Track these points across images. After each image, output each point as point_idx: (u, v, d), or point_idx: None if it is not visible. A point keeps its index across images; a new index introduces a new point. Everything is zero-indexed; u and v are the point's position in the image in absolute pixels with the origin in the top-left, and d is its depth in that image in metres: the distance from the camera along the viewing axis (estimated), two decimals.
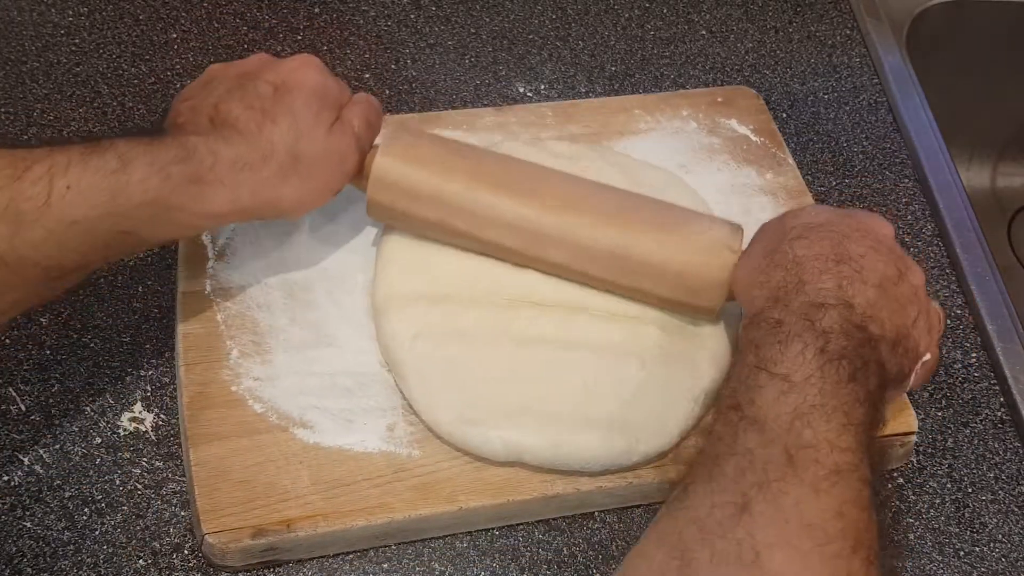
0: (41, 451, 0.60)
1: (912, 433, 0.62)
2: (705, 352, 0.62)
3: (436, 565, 0.58)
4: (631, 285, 0.62)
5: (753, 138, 0.79)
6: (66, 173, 0.49)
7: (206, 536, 0.55)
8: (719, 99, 0.82)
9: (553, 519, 0.60)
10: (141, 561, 0.57)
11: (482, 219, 0.62)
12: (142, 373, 0.64)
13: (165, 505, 0.59)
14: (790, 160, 0.77)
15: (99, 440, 0.61)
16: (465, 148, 0.66)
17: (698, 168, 0.76)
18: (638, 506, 0.61)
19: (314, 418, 0.60)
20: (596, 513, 0.61)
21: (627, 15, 0.94)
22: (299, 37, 0.88)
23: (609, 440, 0.58)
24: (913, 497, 0.63)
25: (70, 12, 0.87)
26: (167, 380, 0.64)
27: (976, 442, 0.66)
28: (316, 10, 0.90)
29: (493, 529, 0.59)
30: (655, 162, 0.74)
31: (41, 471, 0.60)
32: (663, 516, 0.45)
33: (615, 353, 0.61)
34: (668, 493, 0.58)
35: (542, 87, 0.86)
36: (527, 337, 0.61)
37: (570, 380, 0.60)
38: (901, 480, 0.64)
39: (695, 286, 0.60)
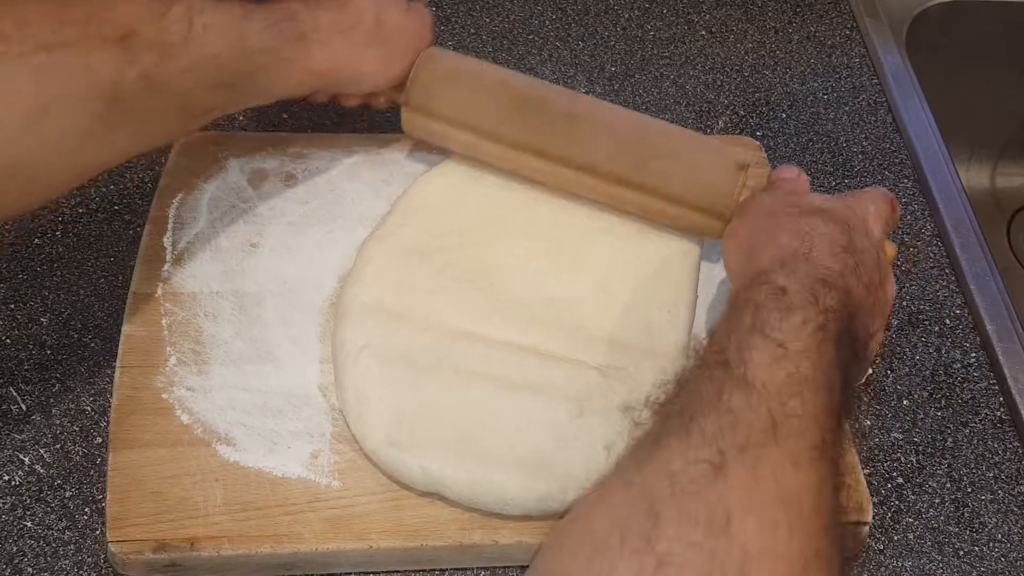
0: (42, 451, 0.60)
1: (864, 523, 0.59)
2: (642, 396, 0.59)
3: None
4: (655, 169, 0.66)
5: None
6: (202, 14, 0.56)
7: (109, 544, 0.55)
8: None
9: (472, 568, 0.58)
10: None
11: (532, 80, 0.70)
12: None
13: None
14: None
15: (99, 440, 0.61)
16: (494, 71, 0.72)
17: None
18: None
19: (239, 435, 0.59)
20: (514, 570, 0.58)
21: (627, 15, 0.94)
22: None
23: (530, 483, 0.56)
24: (913, 497, 0.63)
25: None
26: None
27: (976, 442, 0.66)
28: None
29: (412, 573, 0.58)
30: None
31: (42, 471, 0.60)
32: (627, 466, 0.43)
33: (554, 398, 0.59)
34: None
35: None
36: (471, 371, 0.60)
37: (503, 419, 0.58)
38: (901, 480, 0.64)
39: (714, 192, 0.65)
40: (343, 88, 0.68)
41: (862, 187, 0.81)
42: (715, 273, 0.70)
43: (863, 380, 0.66)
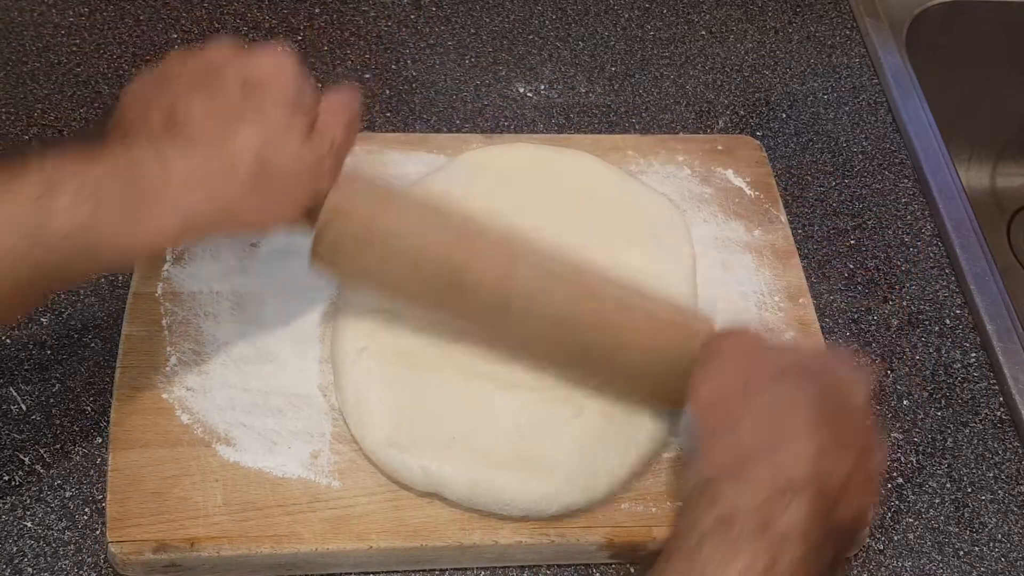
0: (42, 451, 0.60)
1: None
2: (645, 409, 0.60)
3: None
4: (599, 354, 0.57)
5: (747, 191, 0.76)
6: None
7: (109, 544, 0.55)
8: (719, 147, 0.78)
9: (472, 568, 0.58)
10: None
11: (459, 236, 0.56)
12: None
13: None
14: (783, 218, 0.74)
15: (99, 440, 0.61)
16: (431, 202, 0.59)
17: (684, 217, 0.73)
18: (565, 565, 0.58)
19: (239, 435, 0.59)
20: (514, 570, 0.58)
21: (627, 15, 0.94)
22: (299, 37, 0.88)
23: (530, 484, 0.56)
24: (913, 497, 0.63)
25: (71, 13, 0.87)
26: None
27: (976, 442, 0.66)
28: (316, 10, 0.90)
29: (412, 573, 0.58)
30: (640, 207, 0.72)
31: (42, 471, 0.60)
32: None
33: (555, 398, 0.59)
34: (594, 555, 0.57)
35: (542, 87, 0.86)
36: (471, 370, 0.60)
37: (504, 419, 0.58)
38: (901, 480, 0.64)
39: (672, 359, 0.55)
40: (224, 235, 0.57)
41: (862, 187, 0.81)
42: (715, 273, 0.70)
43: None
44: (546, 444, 0.58)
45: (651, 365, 0.56)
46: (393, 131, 0.80)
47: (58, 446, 0.61)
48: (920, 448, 0.65)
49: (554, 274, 0.56)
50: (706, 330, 0.56)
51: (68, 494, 0.59)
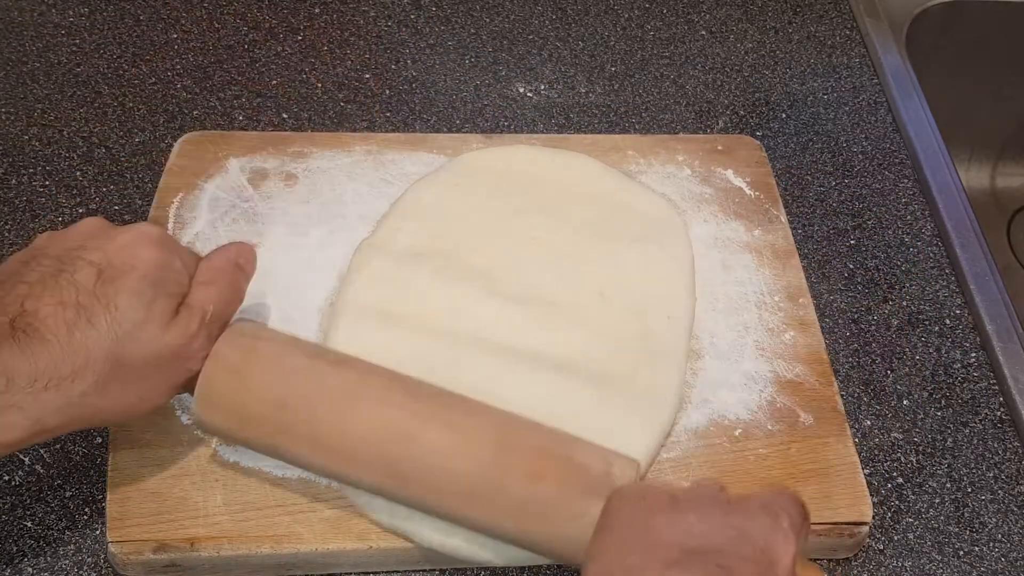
0: (42, 451, 0.60)
1: (864, 523, 0.58)
2: (636, 417, 0.59)
3: None
4: (500, 530, 0.51)
5: (748, 191, 0.75)
6: None
7: (109, 544, 0.55)
8: (719, 147, 0.78)
9: (472, 568, 0.58)
10: None
11: (325, 449, 0.52)
12: None
13: None
14: (783, 218, 0.74)
15: (99, 440, 0.61)
16: (311, 354, 0.54)
17: (683, 218, 0.73)
18: (566, 565, 0.57)
19: None
20: (514, 570, 0.58)
21: (627, 15, 0.94)
22: (299, 37, 0.88)
23: (506, 547, 0.53)
24: (913, 497, 0.63)
25: (70, 12, 0.87)
26: None
27: (975, 442, 0.66)
28: (316, 10, 0.90)
29: (412, 573, 0.57)
30: (638, 208, 0.71)
31: (42, 471, 0.60)
32: None
33: (541, 421, 0.54)
34: None
35: (542, 87, 0.86)
36: (458, 386, 0.55)
37: None
38: (901, 480, 0.64)
39: (563, 536, 0.49)
40: (89, 428, 0.53)
41: (862, 187, 0.81)
42: (715, 273, 0.70)
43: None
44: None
45: (545, 538, 0.50)
46: (393, 131, 0.80)
47: (58, 446, 0.61)
48: (920, 448, 0.65)
49: (449, 437, 0.51)
50: (612, 490, 0.49)
51: (68, 494, 0.59)
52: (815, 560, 0.59)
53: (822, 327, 0.68)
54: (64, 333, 0.46)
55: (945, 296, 0.74)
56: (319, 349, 0.56)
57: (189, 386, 0.52)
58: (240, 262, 0.54)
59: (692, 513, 0.45)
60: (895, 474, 0.64)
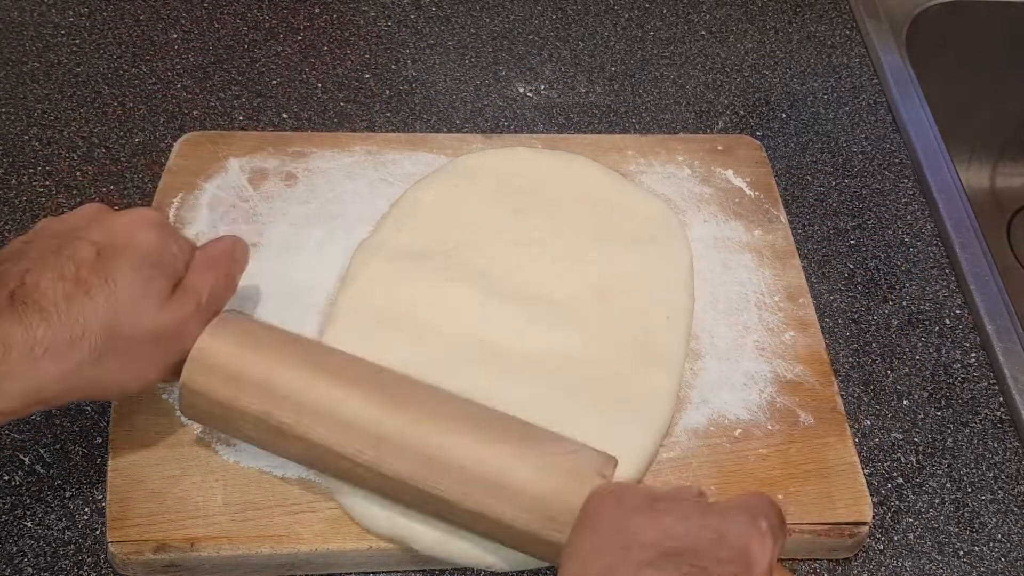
0: (42, 451, 0.60)
1: (864, 523, 0.58)
2: (634, 418, 0.58)
3: None
4: (478, 507, 0.50)
5: (748, 191, 0.75)
6: None
7: (109, 544, 0.55)
8: (719, 147, 0.78)
9: (472, 568, 0.57)
10: None
11: (312, 414, 0.52)
12: None
13: None
14: (783, 218, 0.74)
15: (99, 440, 0.61)
16: (303, 340, 0.56)
17: (683, 218, 0.73)
18: None
19: None
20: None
21: (627, 15, 0.94)
22: (299, 37, 0.88)
23: (510, 553, 0.53)
24: (913, 497, 0.63)
25: (70, 12, 0.87)
26: None
27: (975, 442, 0.66)
28: (316, 10, 0.90)
29: (412, 573, 0.57)
30: (637, 209, 0.71)
31: (42, 471, 0.60)
32: None
33: (538, 424, 0.54)
34: None
35: (542, 87, 0.86)
36: (456, 391, 0.56)
37: None
38: (901, 480, 0.64)
39: (554, 511, 0.49)
40: (83, 400, 0.55)
41: (862, 187, 0.81)
42: (715, 273, 0.70)
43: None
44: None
45: (533, 527, 0.49)
46: (393, 131, 0.80)
47: (58, 446, 0.61)
48: (920, 448, 0.65)
49: (431, 420, 0.52)
50: (592, 486, 0.49)
51: (68, 494, 0.59)
52: (814, 560, 0.59)
53: (822, 327, 0.68)
54: (62, 305, 0.48)
55: (945, 296, 0.74)
56: (306, 338, 0.57)
57: (179, 369, 0.53)
58: (235, 253, 0.56)
59: (669, 515, 0.45)
60: (895, 474, 0.64)
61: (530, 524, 0.49)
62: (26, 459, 0.60)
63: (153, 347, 0.51)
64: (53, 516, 0.58)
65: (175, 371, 0.53)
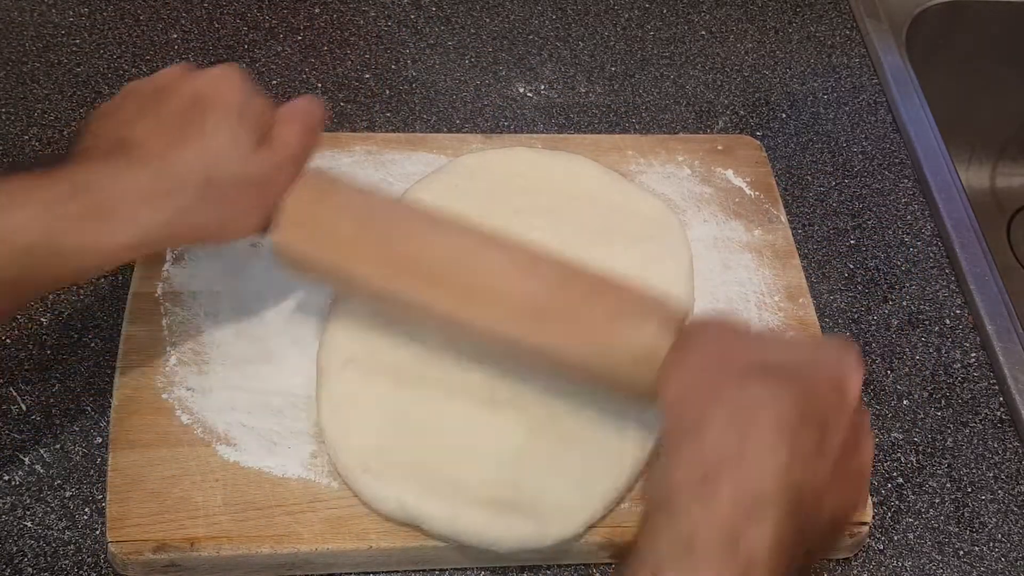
0: (42, 451, 0.60)
1: (864, 523, 0.58)
2: (632, 416, 0.59)
3: None
4: (562, 345, 0.53)
5: (748, 191, 0.75)
6: None
7: (109, 544, 0.55)
8: (719, 147, 0.78)
9: (472, 568, 0.58)
10: None
11: (402, 265, 0.55)
12: None
13: None
14: (783, 218, 0.74)
15: (99, 440, 0.61)
16: (390, 200, 0.60)
17: (683, 217, 0.73)
18: (565, 565, 0.58)
19: (239, 435, 0.59)
20: (514, 570, 0.58)
21: (627, 15, 0.94)
22: (299, 37, 0.88)
23: (516, 522, 0.54)
24: (913, 497, 0.63)
25: (70, 12, 0.87)
26: None
27: (975, 442, 0.66)
28: (316, 10, 0.90)
29: (412, 573, 0.58)
30: (636, 209, 0.71)
31: (42, 471, 0.60)
32: None
33: (538, 421, 0.58)
34: (594, 555, 0.56)
35: (542, 87, 0.86)
36: (456, 387, 0.58)
37: (485, 448, 0.57)
38: (901, 480, 0.64)
39: (638, 354, 0.51)
40: (188, 244, 0.57)
41: (862, 187, 0.81)
42: (715, 273, 0.70)
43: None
44: (532, 477, 0.56)
45: (620, 357, 0.52)
46: (393, 131, 0.80)
47: (58, 446, 0.61)
48: (920, 448, 0.65)
49: (516, 263, 0.55)
50: (680, 319, 0.52)
51: (68, 494, 0.59)
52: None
53: (822, 327, 0.68)
54: (161, 154, 0.51)
55: (945, 296, 0.74)
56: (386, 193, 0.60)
57: (273, 220, 0.55)
58: (314, 109, 0.57)
59: (767, 339, 0.50)
60: (895, 474, 0.64)
61: (622, 369, 0.52)
62: (26, 459, 0.60)
63: (246, 195, 0.53)
64: (53, 516, 0.58)
65: (265, 227, 0.56)
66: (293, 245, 0.56)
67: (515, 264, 0.55)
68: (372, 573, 0.57)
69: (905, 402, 0.68)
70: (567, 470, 0.57)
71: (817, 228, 0.77)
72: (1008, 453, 0.66)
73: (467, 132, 0.80)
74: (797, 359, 0.47)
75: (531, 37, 0.91)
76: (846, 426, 0.45)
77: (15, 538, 0.57)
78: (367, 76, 0.85)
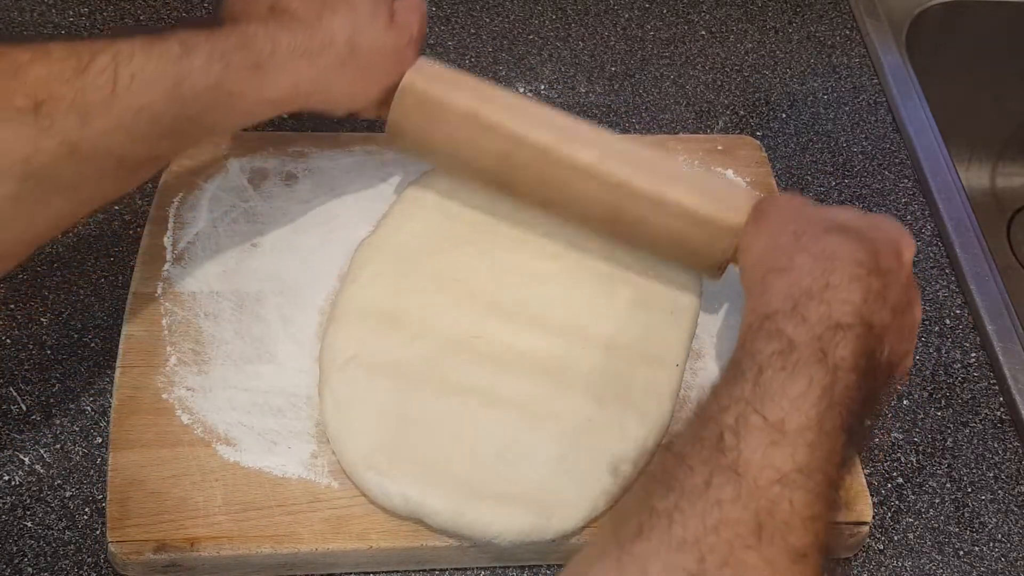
0: (42, 451, 0.60)
1: (864, 523, 0.59)
2: (634, 413, 0.60)
3: None
4: (661, 194, 0.61)
5: None
6: (130, 62, 0.49)
7: (109, 544, 0.55)
8: (719, 147, 0.78)
9: (472, 568, 0.58)
10: None
11: (516, 112, 0.63)
12: None
13: None
14: None
15: (99, 440, 0.61)
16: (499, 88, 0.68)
17: None
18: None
19: (239, 435, 0.59)
20: (513, 570, 0.58)
21: (627, 15, 0.94)
22: None
23: (518, 515, 0.55)
24: (913, 497, 0.63)
25: (70, 12, 0.87)
26: None
27: (976, 442, 0.66)
28: None
29: (412, 573, 0.58)
30: None
31: (42, 471, 0.60)
32: (608, 544, 0.42)
33: (539, 417, 0.58)
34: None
35: (542, 87, 0.86)
36: (458, 384, 0.59)
37: (487, 442, 0.57)
38: (901, 480, 0.64)
39: (725, 201, 0.61)
40: (314, 109, 0.62)
41: (862, 187, 0.81)
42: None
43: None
44: (533, 471, 0.57)
45: (697, 228, 0.61)
46: None
47: (58, 446, 0.61)
48: (920, 448, 0.65)
49: (610, 146, 0.63)
50: (753, 196, 0.61)
51: (68, 494, 0.59)
52: None
53: None
54: (313, 17, 0.58)
55: (945, 296, 0.74)
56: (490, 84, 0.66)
57: (390, 98, 0.63)
58: (424, 3, 0.65)
59: (835, 208, 0.57)
60: (895, 474, 0.64)
61: (703, 208, 0.61)
62: (26, 459, 0.60)
63: (379, 63, 0.61)
64: (53, 516, 0.58)
65: (390, 97, 0.63)
66: (405, 120, 0.63)
67: (609, 146, 0.63)
68: (372, 573, 0.58)
69: (905, 402, 0.68)
70: (568, 465, 0.57)
71: None
72: (1008, 453, 0.66)
73: None
74: (862, 223, 0.54)
75: (531, 37, 0.91)
76: (904, 284, 0.53)
77: (15, 538, 0.57)
78: None
